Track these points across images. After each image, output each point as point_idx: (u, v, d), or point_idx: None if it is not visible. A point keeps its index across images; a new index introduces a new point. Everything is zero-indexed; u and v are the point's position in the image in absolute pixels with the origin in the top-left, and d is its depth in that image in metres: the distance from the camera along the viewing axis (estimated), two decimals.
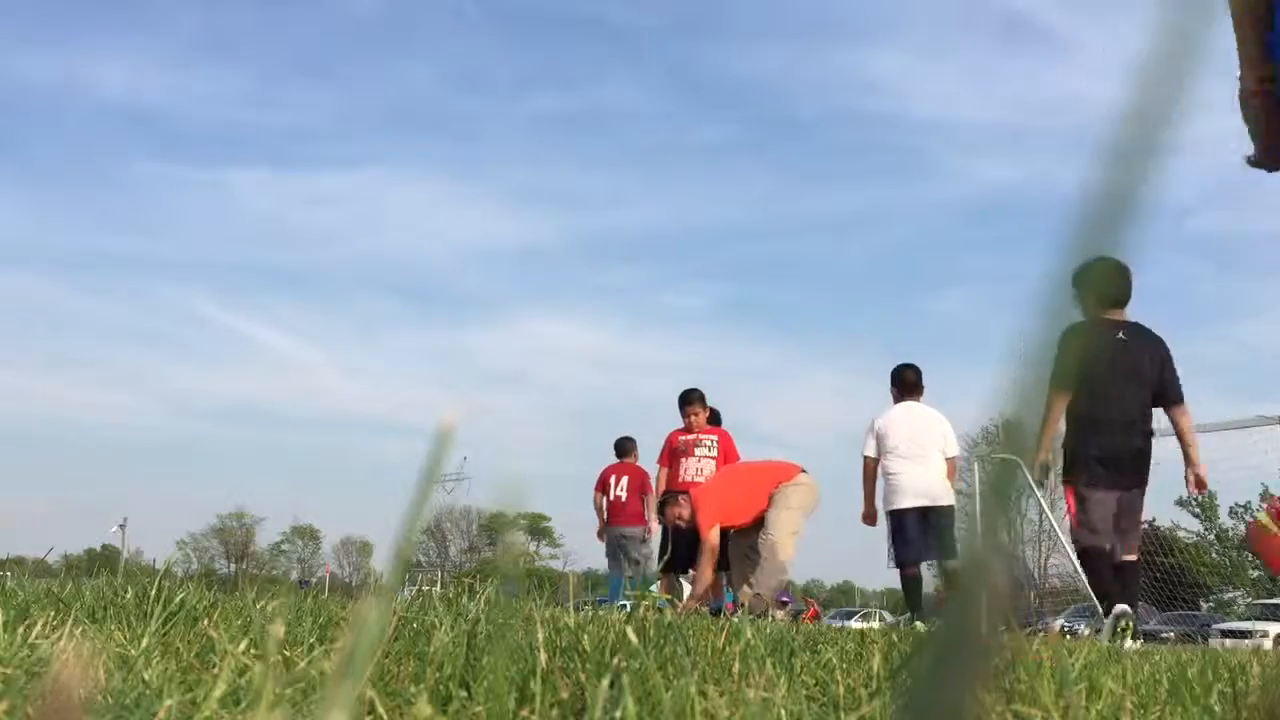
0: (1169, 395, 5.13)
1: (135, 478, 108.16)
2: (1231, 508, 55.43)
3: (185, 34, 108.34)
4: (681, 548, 7.26)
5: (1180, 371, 5.24)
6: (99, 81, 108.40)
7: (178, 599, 2.09)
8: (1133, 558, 5.03)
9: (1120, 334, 5.10)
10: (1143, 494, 5.07)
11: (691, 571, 7.43)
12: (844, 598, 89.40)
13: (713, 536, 6.86)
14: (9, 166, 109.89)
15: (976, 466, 16.74)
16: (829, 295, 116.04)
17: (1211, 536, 55.96)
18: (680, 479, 7.77)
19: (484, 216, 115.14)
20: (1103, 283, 4.86)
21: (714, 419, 8.27)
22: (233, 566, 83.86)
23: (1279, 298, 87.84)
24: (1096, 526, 4.95)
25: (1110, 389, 4.95)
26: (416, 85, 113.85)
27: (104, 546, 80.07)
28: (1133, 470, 5.04)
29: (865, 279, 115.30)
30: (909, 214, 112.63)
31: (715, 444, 7.90)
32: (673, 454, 7.95)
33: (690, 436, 7.92)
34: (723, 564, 7.85)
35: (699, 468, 7.81)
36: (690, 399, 7.99)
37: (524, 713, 1.12)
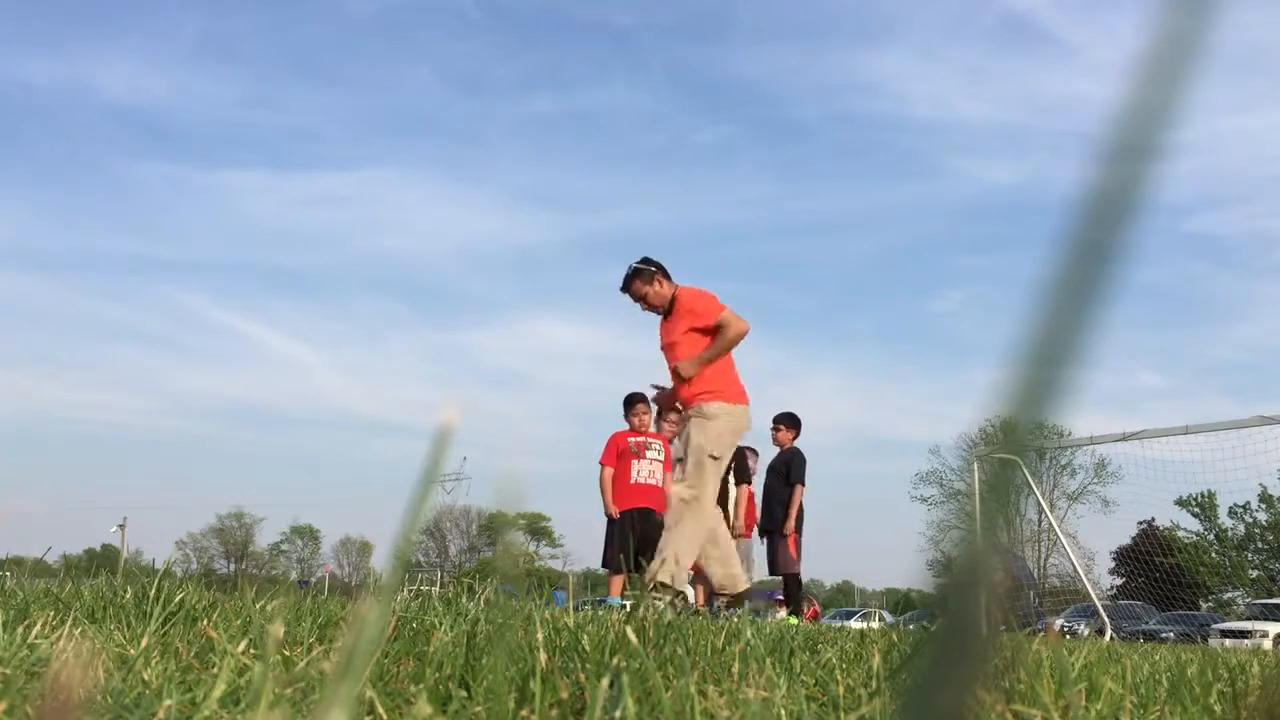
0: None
1: (135, 478, 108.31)
2: (1231, 508, 55.45)
3: (186, 36, 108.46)
4: (631, 541, 7.29)
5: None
6: (101, 83, 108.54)
7: (177, 599, 2.09)
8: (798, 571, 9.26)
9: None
10: None
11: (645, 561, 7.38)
12: (844, 598, 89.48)
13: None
14: (11, 167, 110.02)
15: (976, 466, 16.75)
16: (829, 295, 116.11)
17: (1211, 536, 55.94)
18: (633, 480, 7.83)
19: (484, 217, 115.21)
20: (797, 423, 9.31)
21: None
22: (232, 566, 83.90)
23: (1279, 297, 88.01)
24: (799, 560, 9.08)
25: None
26: (417, 86, 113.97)
27: (104, 546, 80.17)
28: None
29: (865, 279, 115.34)
30: (909, 214, 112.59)
31: (662, 449, 7.97)
32: (620, 456, 7.97)
33: (640, 439, 7.99)
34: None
35: (650, 470, 7.89)
36: (637, 401, 8.08)
37: (524, 713, 1.12)
